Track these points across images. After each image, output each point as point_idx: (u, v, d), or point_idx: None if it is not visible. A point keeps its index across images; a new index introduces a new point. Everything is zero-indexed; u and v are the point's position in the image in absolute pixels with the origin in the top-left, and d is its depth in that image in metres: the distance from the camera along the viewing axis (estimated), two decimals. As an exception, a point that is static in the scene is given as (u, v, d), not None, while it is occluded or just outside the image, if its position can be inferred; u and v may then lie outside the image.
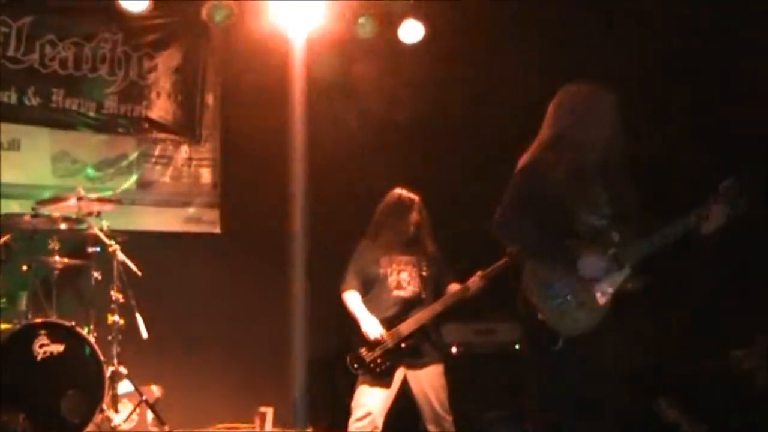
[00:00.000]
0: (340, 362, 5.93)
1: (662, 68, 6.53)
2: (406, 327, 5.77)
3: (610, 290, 4.14)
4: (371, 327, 5.75)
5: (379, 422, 5.75)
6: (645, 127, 5.93)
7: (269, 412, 6.67)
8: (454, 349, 6.74)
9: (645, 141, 5.62)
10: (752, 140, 6.03)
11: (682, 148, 6.24)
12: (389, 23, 7.30)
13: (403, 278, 5.86)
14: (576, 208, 4.21)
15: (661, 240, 4.13)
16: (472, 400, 6.37)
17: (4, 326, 5.76)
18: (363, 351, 5.79)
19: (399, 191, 6.07)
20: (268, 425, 6.64)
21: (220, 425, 6.75)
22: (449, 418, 5.78)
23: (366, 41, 7.29)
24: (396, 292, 5.85)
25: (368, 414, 5.72)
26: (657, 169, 5.95)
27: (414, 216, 5.92)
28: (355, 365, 5.81)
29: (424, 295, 5.86)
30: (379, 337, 5.73)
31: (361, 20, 7.19)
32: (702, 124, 6.34)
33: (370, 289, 5.90)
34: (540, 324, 4.14)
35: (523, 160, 4.31)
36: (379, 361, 5.75)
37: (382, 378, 5.76)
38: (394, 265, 5.88)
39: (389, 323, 5.79)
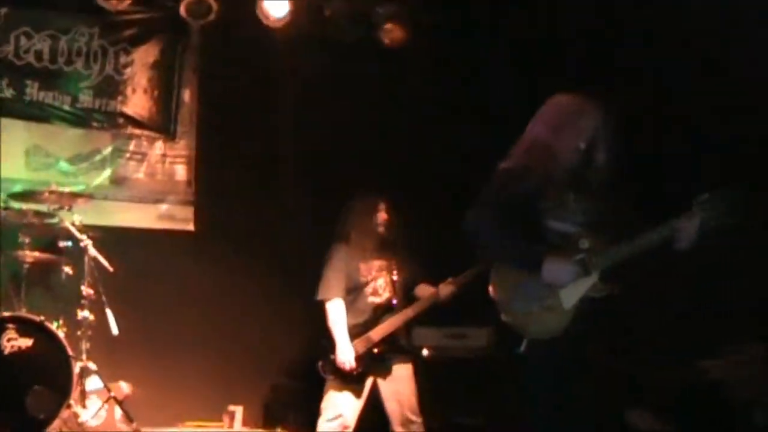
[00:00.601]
0: (311, 363, 5.95)
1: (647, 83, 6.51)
2: (377, 333, 5.82)
3: (577, 295, 4.16)
4: (345, 356, 5.77)
5: (351, 424, 5.80)
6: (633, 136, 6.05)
7: (238, 410, 6.71)
8: (425, 352, 6.76)
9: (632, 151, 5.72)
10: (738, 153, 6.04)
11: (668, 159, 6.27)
12: (371, 25, 7.33)
13: (379, 285, 5.94)
14: (546, 214, 4.25)
15: (631, 249, 4.15)
16: (443, 402, 6.36)
17: (-28, 319, 5.78)
18: (335, 357, 5.81)
19: (365, 192, 6.10)
20: (237, 424, 6.67)
21: (188, 423, 6.74)
22: (418, 420, 5.83)
23: (346, 42, 7.28)
24: (371, 299, 5.92)
25: (339, 415, 5.77)
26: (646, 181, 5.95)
27: (381, 215, 5.96)
28: (326, 371, 5.84)
29: (395, 301, 5.91)
30: (347, 370, 5.75)
31: (342, 22, 7.21)
32: (688, 135, 6.34)
33: (348, 295, 5.93)
34: (504, 326, 4.17)
35: (501, 164, 4.34)
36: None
37: (353, 383, 5.80)
38: (373, 272, 5.95)
39: (361, 329, 5.85)
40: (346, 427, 5.80)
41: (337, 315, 5.83)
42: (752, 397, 5.69)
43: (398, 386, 5.85)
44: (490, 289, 4.23)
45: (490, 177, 4.34)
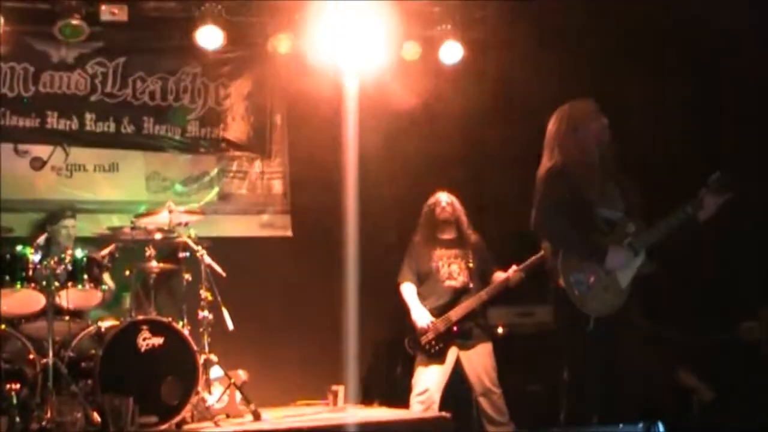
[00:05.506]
0: (401, 343, 6.44)
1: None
2: (456, 313, 6.28)
3: (630, 275, 4.62)
4: (420, 317, 6.23)
5: (436, 397, 6.26)
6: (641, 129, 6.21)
7: (341, 389, 6.88)
8: (500, 330, 7.01)
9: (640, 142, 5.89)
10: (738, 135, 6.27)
11: (672, 146, 6.39)
12: (431, 46, 7.54)
13: (453, 270, 6.39)
14: (595, 204, 4.67)
15: (666, 227, 4.62)
16: (516, 373, 6.66)
17: (112, 323, 6.11)
18: (419, 335, 6.27)
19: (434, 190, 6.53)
20: (340, 401, 6.85)
21: (299, 402, 7.07)
22: (498, 391, 6.29)
23: (410, 63, 7.53)
24: (448, 283, 6.38)
25: (426, 390, 6.25)
26: (651, 167, 6.03)
27: (437, 212, 6.41)
28: (411, 347, 6.33)
29: (471, 285, 6.37)
30: (425, 327, 6.18)
31: (406, 45, 7.46)
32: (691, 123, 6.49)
33: (424, 280, 6.42)
34: (572, 307, 4.59)
35: (541, 170, 4.80)
36: (433, 343, 6.28)
37: (436, 357, 6.25)
38: (445, 259, 6.39)
39: (442, 310, 6.32)
40: (433, 401, 6.26)
41: (407, 294, 6.34)
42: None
43: (480, 363, 6.33)
44: (556, 276, 4.65)
45: (534, 181, 4.77)
